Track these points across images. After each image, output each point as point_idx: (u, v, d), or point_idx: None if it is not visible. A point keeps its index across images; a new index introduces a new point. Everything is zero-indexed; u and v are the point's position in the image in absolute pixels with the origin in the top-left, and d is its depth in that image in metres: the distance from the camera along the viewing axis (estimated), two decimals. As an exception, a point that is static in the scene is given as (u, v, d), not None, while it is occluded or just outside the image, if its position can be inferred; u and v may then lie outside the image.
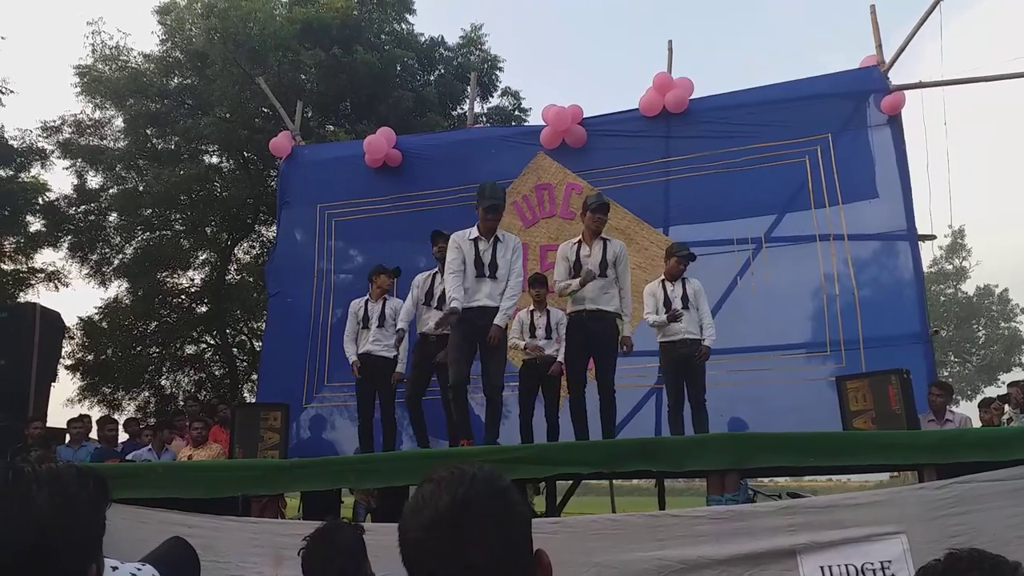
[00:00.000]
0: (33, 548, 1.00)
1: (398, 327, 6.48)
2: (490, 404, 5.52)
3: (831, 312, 7.13)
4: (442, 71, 16.41)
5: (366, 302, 6.71)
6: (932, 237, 8.33)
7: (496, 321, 5.41)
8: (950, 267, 29.61)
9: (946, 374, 26.38)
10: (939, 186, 8.00)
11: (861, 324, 7.00)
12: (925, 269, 9.00)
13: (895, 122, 7.35)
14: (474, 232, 5.64)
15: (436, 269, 6.43)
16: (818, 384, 6.75)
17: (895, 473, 9.22)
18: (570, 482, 6.63)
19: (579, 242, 5.98)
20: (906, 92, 7.40)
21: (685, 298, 6.06)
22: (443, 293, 6.08)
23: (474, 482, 1.04)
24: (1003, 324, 29.31)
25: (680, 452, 4.05)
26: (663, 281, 6.18)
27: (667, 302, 6.05)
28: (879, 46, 7.60)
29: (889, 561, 3.47)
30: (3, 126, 14.98)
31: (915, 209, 7.17)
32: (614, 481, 9.53)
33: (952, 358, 28.60)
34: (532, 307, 6.38)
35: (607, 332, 5.81)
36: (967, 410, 8.39)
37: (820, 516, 3.63)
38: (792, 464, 4.12)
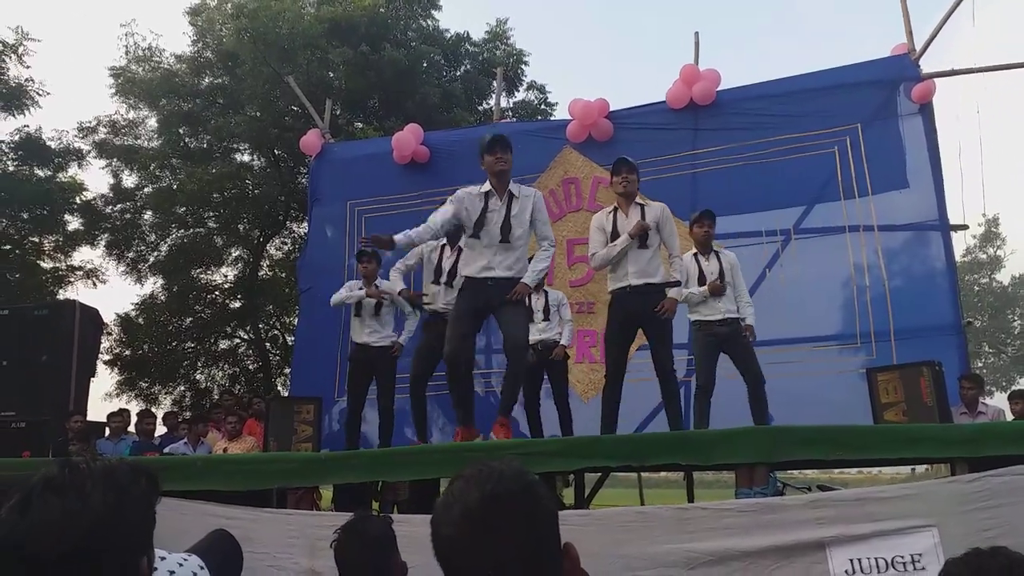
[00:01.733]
0: (88, 542, 1.04)
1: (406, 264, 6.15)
2: (511, 361, 4.73)
3: (861, 303, 7.08)
4: (468, 66, 16.48)
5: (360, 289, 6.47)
6: (965, 227, 8.22)
7: (526, 280, 4.67)
8: (984, 256, 29.02)
9: (980, 365, 25.91)
10: (972, 174, 7.90)
11: (892, 315, 6.94)
12: (958, 259, 8.88)
13: (926, 111, 7.25)
14: (485, 186, 4.83)
15: (444, 241, 5.92)
16: (848, 376, 6.71)
17: (927, 466, 9.13)
18: (599, 474, 6.66)
19: (615, 210, 5.28)
20: (938, 80, 7.30)
21: (721, 273, 5.73)
22: (452, 267, 5.76)
23: (502, 479, 1.09)
24: (1039, 314, 28.70)
25: (709, 445, 4.06)
26: (695, 255, 5.85)
27: (701, 277, 5.72)
28: (910, 33, 7.50)
29: (920, 554, 3.46)
30: (41, 127, 15.34)
31: (947, 198, 7.10)
32: (642, 473, 9.55)
33: (987, 349, 28.05)
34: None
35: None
36: (1001, 402, 8.27)
37: (850, 509, 3.61)
38: (822, 457, 4.10)
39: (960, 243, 26.71)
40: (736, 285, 5.81)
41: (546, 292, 6.34)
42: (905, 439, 4.16)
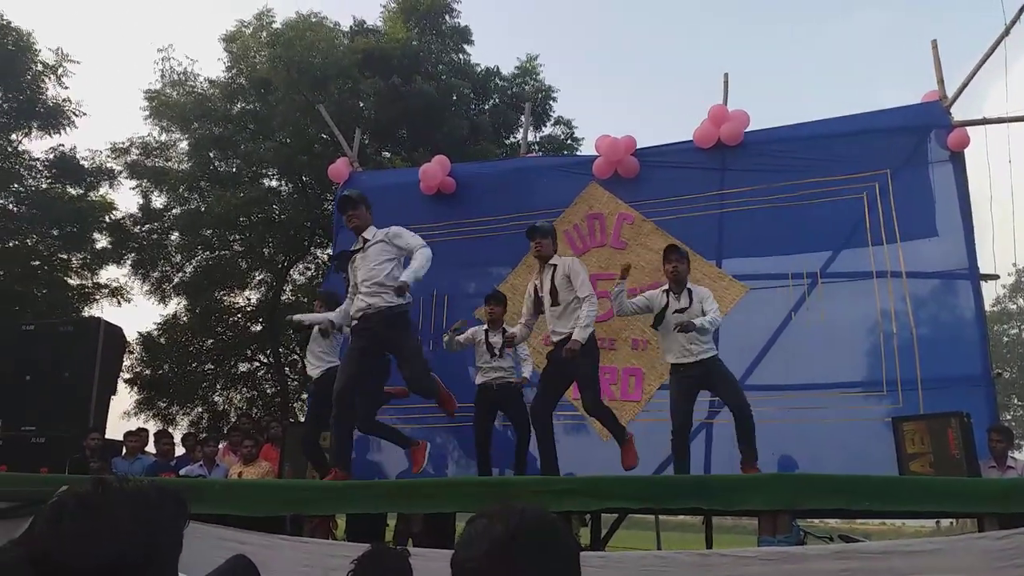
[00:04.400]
0: (115, 561, 1.05)
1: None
2: (420, 393, 5.33)
3: (888, 350, 6.94)
4: (497, 100, 16.68)
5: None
6: (995, 276, 8.09)
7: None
8: (1014, 307, 28.66)
9: (1009, 418, 25.43)
10: (1004, 224, 7.79)
11: (919, 363, 6.79)
12: (987, 308, 8.74)
13: (957, 159, 7.17)
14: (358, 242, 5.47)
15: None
16: (873, 424, 6.57)
17: (953, 520, 8.92)
18: (616, 515, 6.57)
19: (538, 273, 5.75)
20: (969, 128, 7.25)
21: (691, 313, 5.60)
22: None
23: (525, 515, 1.11)
24: (1070, 367, 28.16)
25: (732, 491, 4.00)
26: (667, 291, 5.74)
27: (661, 315, 5.65)
28: (941, 81, 7.46)
29: (948, 612, 3.37)
30: (75, 147, 15.70)
31: (977, 247, 6.99)
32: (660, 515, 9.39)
33: (1016, 401, 27.54)
34: (486, 325, 6.29)
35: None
36: (1031, 457, 8.08)
37: (875, 562, 3.53)
38: (848, 507, 4.02)
39: (990, 293, 26.38)
40: (707, 312, 5.64)
41: (504, 330, 6.29)
42: (934, 492, 4.07)
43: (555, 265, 5.61)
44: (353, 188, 9.60)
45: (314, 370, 6.42)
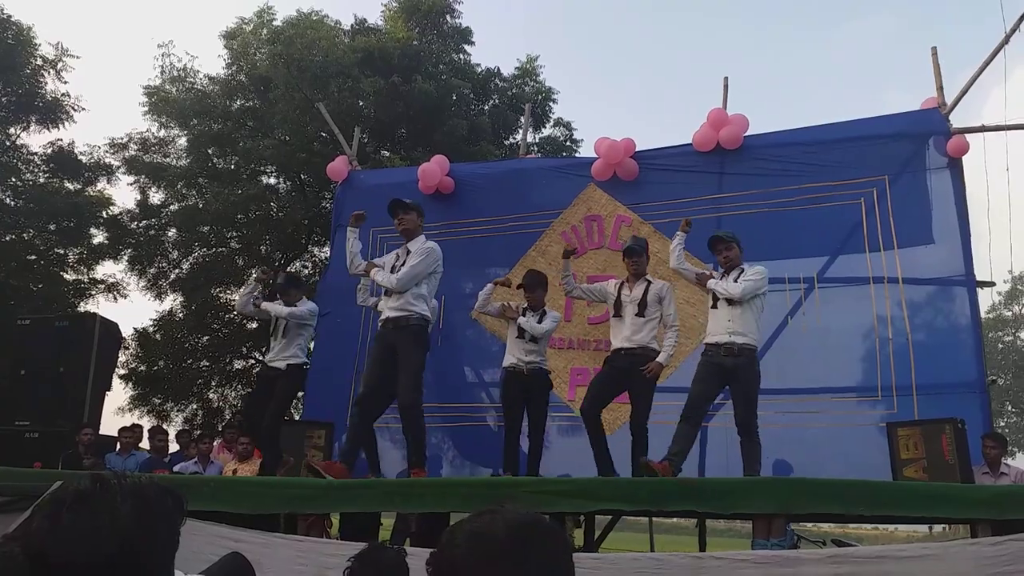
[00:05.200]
0: (113, 557, 1.05)
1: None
2: (403, 421, 5.41)
3: (883, 355, 6.94)
4: (496, 101, 16.67)
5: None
6: (991, 284, 8.11)
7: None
8: (1009, 314, 28.74)
9: (1002, 425, 25.52)
10: (1000, 231, 7.82)
11: (914, 369, 6.81)
12: (983, 315, 8.76)
13: (955, 166, 7.17)
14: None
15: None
16: (867, 429, 6.59)
17: (945, 526, 8.94)
18: (609, 516, 6.57)
19: (624, 281, 6.03)
20: (968, 136, 7.26)
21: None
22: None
23: (526, 517, 1.12)
24: (1064, 374, 28.24)
25: (728, 494, 4.01)
26: (724, 275, 5.83)
27: (714, 296, 5.68)
28: (940, 88, 7.47)
29: (940, 617, 3.38)
30: (73, 141, 15.65)
31: (974, 254, 7.01)
32: (653, 518, 9.40)
33: (1009, 408, 27.62)
34: (527, 305, 6.34)
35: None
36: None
37: (868, 567, 3.54)
38: (842, 512, 4.03)
39: (985, 300, 26.46)
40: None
41: (545, 312, 6.33)
42: (928, 498, 4.09)
43: (649, 281, 5.92)
44: (353, 187, 9.66)
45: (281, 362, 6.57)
